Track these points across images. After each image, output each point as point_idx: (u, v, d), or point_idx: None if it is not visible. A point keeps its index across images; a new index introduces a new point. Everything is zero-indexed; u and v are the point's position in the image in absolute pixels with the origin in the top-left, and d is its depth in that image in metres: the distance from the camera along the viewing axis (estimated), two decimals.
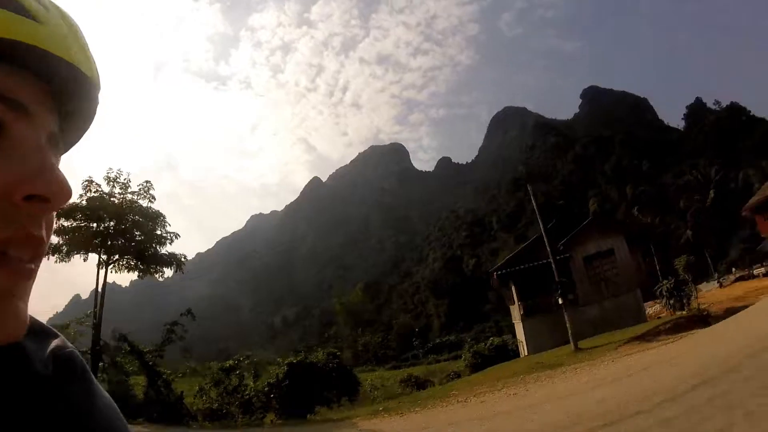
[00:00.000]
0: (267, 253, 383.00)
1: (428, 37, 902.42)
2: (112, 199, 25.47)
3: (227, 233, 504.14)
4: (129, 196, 26.09)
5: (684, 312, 30.12)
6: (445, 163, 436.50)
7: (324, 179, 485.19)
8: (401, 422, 16.69)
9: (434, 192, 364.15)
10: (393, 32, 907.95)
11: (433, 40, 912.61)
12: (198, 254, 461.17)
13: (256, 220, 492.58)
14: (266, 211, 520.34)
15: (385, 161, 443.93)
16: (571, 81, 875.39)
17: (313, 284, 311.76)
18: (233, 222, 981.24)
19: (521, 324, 39.55)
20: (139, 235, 26.46)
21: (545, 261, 36.39)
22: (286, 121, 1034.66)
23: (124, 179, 26.16)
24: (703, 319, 27.01)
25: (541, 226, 33.15)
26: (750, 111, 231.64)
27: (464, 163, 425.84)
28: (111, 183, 25.81)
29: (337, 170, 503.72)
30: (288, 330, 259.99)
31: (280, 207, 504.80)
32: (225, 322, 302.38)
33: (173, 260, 27.80)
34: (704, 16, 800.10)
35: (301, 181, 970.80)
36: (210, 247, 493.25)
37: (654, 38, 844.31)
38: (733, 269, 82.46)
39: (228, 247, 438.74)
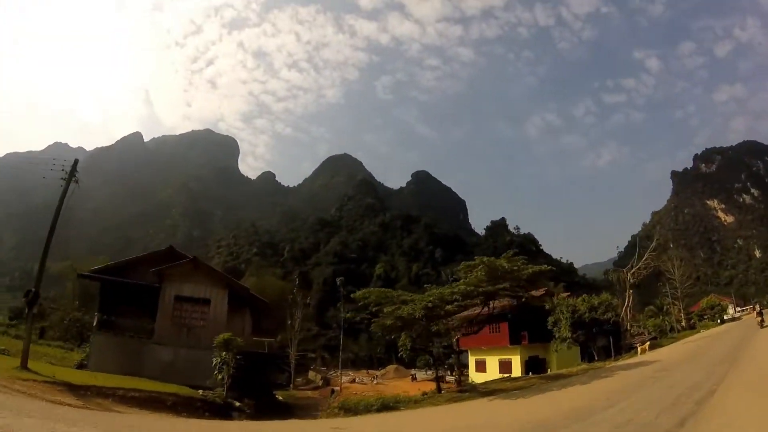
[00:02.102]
0: (51, 192, 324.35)
1: (311, 59, 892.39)
2: None
3: (21, 149, 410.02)
4: None
5: None
6: (268, 177, 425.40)
7: (146, 140, 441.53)
8: None
9: (246, 200, 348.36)
10: (283, 36, 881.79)
11: (314, 64, 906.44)
12: None
13: (59, 149, 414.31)
14: (73, 145, 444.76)
15: (212, 150, 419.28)
16: (410, 158, 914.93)
17: (89, 244, 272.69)
18: (32, 141, 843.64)
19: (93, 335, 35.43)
20: None
21: (141, 283, 34.75)
22: (137, 62, 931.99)
23: None
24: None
25: None
26: (540, 245, 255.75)
27: (286, 185, 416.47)
28: None
29: (163, 136, 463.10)
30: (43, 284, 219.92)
31: (89, 147, 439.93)
32: None
33: None
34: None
35: (122, 131, 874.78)
36: None
37: (496, 163, 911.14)
38: (440, 370, 79.62)
39: (16, 166, 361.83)
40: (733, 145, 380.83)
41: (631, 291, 46.35)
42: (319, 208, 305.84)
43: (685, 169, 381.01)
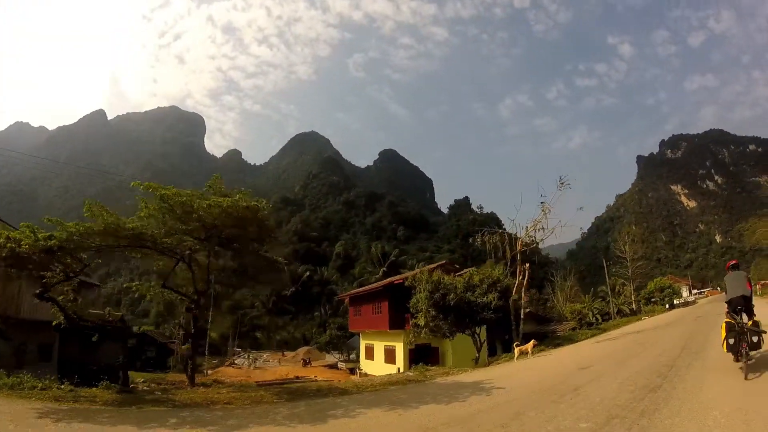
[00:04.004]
0: (14, 172, 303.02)
1: (282, 34, 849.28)
2: None
3: None
4: None
5: None
6: (235, 155, 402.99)
7: (110, 117, 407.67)
8: None
9: (210, 177, 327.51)
10: (254, 11, 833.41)
11: (285, 39, 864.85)
12: None
13: (20, 129, 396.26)
14: (35, 124, 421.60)
15: (178, 127, 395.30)
16: (382, 138, 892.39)
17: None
18: None
19: None
20: None
21: None
22: (102, 37, 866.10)
23: None
24: None
25: None
26: (503, 225, 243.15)
27: (253, 164, 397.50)
28: None
29: (127, 114, 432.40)
30: None
31: (51, 126, 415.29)
32: None
33: None
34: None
35: (87, 109, 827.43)
36: None
37: (467, 145, 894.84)
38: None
39: None
40: (700, 132, 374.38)
41: (527, 265, 30.80)
42: (284, 187, 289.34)
43: (651, 154, 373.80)
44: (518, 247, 31.37)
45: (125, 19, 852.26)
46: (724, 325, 10.70)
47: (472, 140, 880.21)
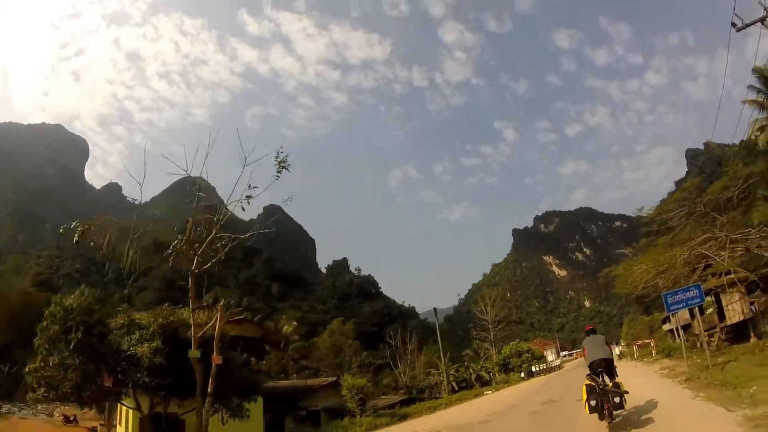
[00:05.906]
0: None
1: (185, 73, 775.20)
2: None
3: None
4: None
5: None
6: (115, 189, 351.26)
7: None
8: None
9: (86, 210, 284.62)
10: (162, 43, 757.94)
11: (187, 79, 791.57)
12: None
13: None
14: None
15: (60, 148, 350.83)
16: (269, 191, 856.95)
17: None
18: None
19: None
20: None
21: None
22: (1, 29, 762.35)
23: None
24: None
25: None
26: (380, 288, 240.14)
27: (132, 200, 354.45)
28: None
29: (8, 123, 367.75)
30: None
31: None
32: None
33: None
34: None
35: None
36: None
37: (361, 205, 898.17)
38: None
39: None
40: (572, 210, 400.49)
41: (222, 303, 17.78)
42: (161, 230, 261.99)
43: (526, 227, 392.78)
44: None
45: (31, 21, 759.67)
46: (584, 387, 10.66)
47: (358, 205, 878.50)
